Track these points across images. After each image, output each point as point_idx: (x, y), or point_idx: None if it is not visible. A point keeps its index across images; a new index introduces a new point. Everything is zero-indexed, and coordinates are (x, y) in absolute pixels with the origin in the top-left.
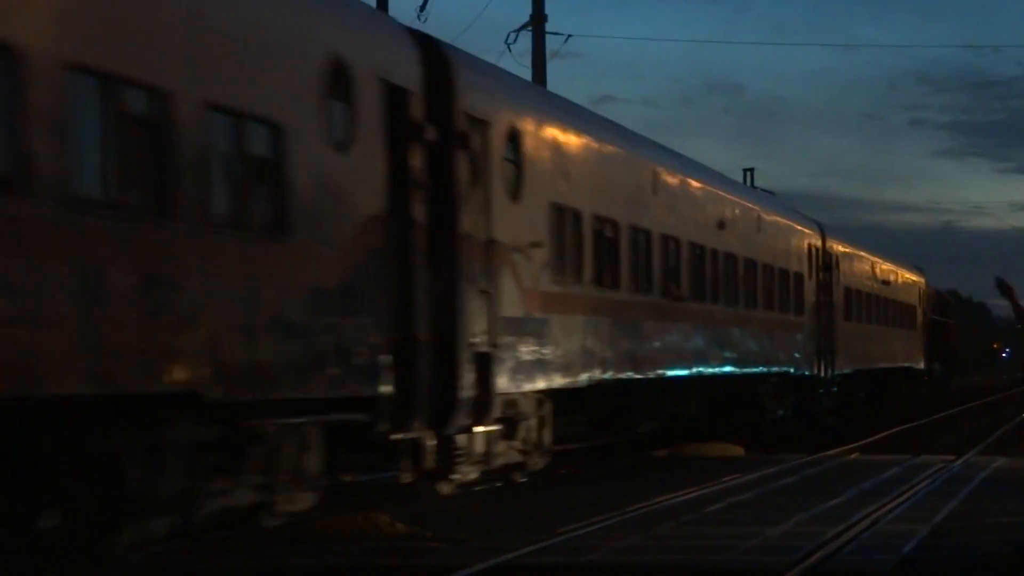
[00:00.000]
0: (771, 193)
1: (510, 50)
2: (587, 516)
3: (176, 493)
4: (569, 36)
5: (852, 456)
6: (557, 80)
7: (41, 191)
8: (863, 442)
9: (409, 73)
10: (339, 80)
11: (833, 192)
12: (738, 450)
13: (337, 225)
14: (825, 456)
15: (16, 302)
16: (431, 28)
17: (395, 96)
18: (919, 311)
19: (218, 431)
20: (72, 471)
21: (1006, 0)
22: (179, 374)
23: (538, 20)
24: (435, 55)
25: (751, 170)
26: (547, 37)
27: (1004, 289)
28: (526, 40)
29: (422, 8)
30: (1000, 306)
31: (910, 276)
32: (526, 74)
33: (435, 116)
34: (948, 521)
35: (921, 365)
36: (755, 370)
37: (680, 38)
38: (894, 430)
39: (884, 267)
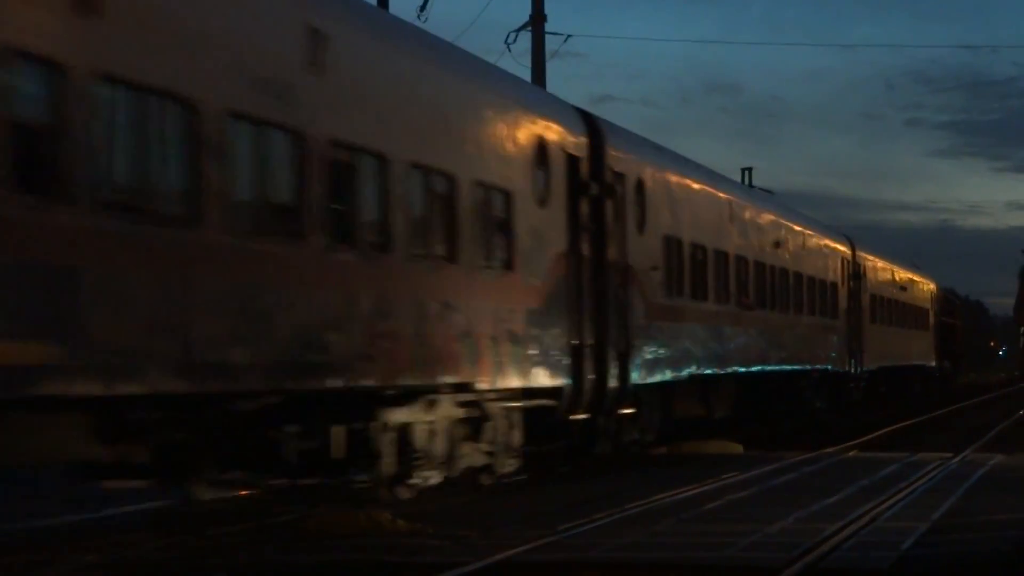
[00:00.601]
0: (770, 192)
1: (510, 50)
2: (588, 513)
3: (444, 453)
4: (569, 36)
5: (850, 454)
6: (557, 80)
7: (397, 249)
8: (861, 439)
9: (579, 144)
10: (542, 155)
11: (831, 191)
12: (737, 447)
13: (540, 262)
14: (824, 454)
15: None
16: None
17: (571, 161)
18: (931, 314)
19: (469, 411)
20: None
21: (1003, 0)
22: (460, 371)
23: (538, 20)
24: (592, 127)
25: (749, 169)
26: (547, 37)
27: None
28: (526, 40)
29: (422, 8)
30: (998, 305)
31: (923, 281)
32: (525, 73)
33: (594, 173)
34: (947, 518)
35: (932, 363)
36: (801, 367)
37: (679, 38)
38: (892, 428)
39: (902, 274)
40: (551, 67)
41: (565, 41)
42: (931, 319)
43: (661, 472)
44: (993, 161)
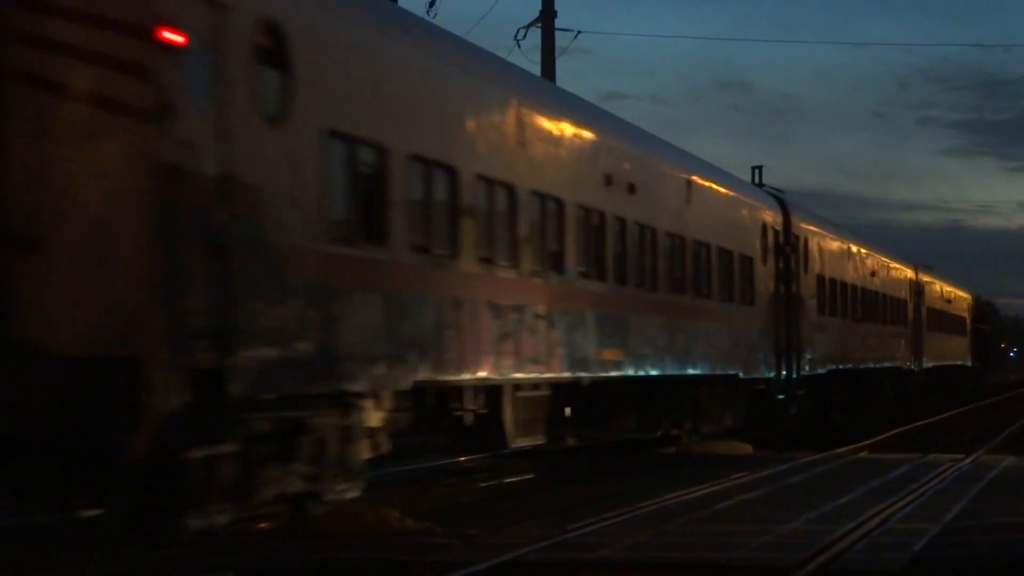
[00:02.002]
0: (780, 191)
1: (519, 46)
2: (597, 512)
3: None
4: (579, 32)
5: (861, 454)
6: (566, 76)
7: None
8: (872, 440)
9: (777, 220)
10: (763, 231)
11: (842, 190)
12: (747, 448)
13: (763, 298)
14: (834, 454)
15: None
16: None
17: (775, 232)
18: (967, 321)
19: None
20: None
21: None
22: (730, 366)
23: (547, 16)
24: (783, 205)
25: (759, 168)
26: (556, 33)
27: None
28: (535, 36)
29: (431, 4)
30: (1008, 305)
31: (963, 294)
32: (535, 70)
33: (784, 236)
34: (958, 520)
35: (969, 363)
36: (882, 365)
37: (689, 35)
38: (902, 428)
39: (948, 289)
40: (560, 63)
41: (575, 37)
42: (968, 326)
43: (671, 472)
44: (1005, 161)
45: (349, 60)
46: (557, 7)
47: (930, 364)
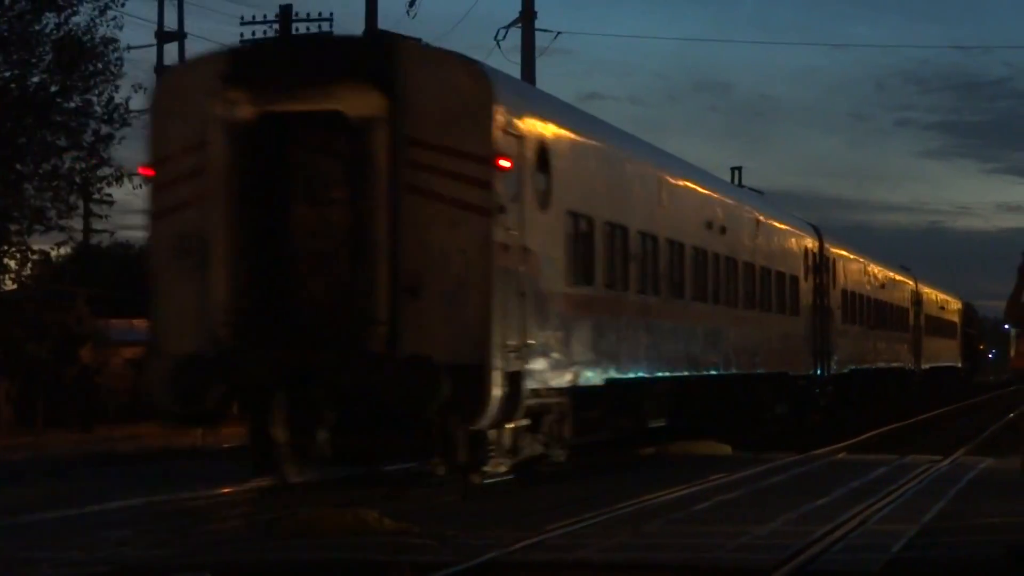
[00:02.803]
0: (760, 192)
1: (499, 46)
2: (576, 513)
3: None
4: (559, 33)
5: (840, 456)
6: (546, 77)
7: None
8: (851, 441)
9: (814, 245)
10: (805, 255)
11: (821, 191)
12: (726, 448)
13: (804, 309)
14: (813, 455)
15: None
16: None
17: (812, 254)
18: (958, 326)
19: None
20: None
21: (996, 1)
22: (780, 364)
23: (527, 17)
24: (818, 232)
25: (739, 168)
26: (536, 34)
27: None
28: (515, 37)
29: (411, 3)
30: (986, 307)
31: (954, 301)
32: (515, 70)
33: (819, 259)
34: (937, 521)
35: (959, 364)
36: (891, 366)
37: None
38: (882, 430)
39: (941, 296)
40: (540, 64)
41: (555, 38)
42: (958, 330)
43: (650, 473)
44: (983, 162)
45: (577, 163)
46: (537, 8)
47: (927, 365)
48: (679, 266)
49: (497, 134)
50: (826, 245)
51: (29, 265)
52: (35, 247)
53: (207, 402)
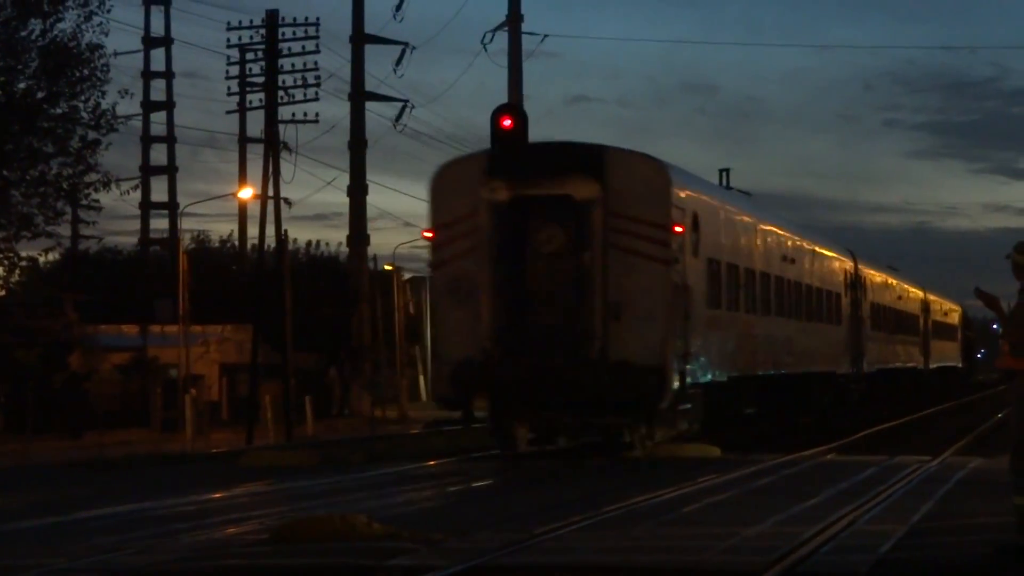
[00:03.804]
0: (747, 194)
1: (486, 50)
2: (565, 516)
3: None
4: (545, 36)
5: (828, 457)
6: (533, 80)
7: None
8: (840, 442)
9: (852, 266)
10: (844, 274)
11: (809, 192)
12: (715, 451)
13: (845, 319)
14: (802, 457)
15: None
16: (407, 27)
17: (849, 274)
18: (959, 329)
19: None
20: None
21: (983, 1)
22: (828, 364)
23: (514, 20)
24: (853, 255)
25: (727, 170)
26: (523, 37)
27: (987, 300)
28: (502, 40)
29: (398, 8)
30: (975, 307)
31: (955, 307)
32: (502, 74)
33: (854, 277)
34: (925, 521)
35: (959, 364)
36: (905, 366)
37: (656, 38)
38: (870, 430)
39: (946, 305)
40: (527, 67)
41: (542, 41)
42: (959, 333)
43: (639, 475)
44: (971, 163)
45: (712, 223)
46: (524, 11)
47: (934, 365)
48: (767, 290)
49: (672, 209)
50: (859, 265)
51: (17, 271)
52: (23, 253)
53: (473, 395)
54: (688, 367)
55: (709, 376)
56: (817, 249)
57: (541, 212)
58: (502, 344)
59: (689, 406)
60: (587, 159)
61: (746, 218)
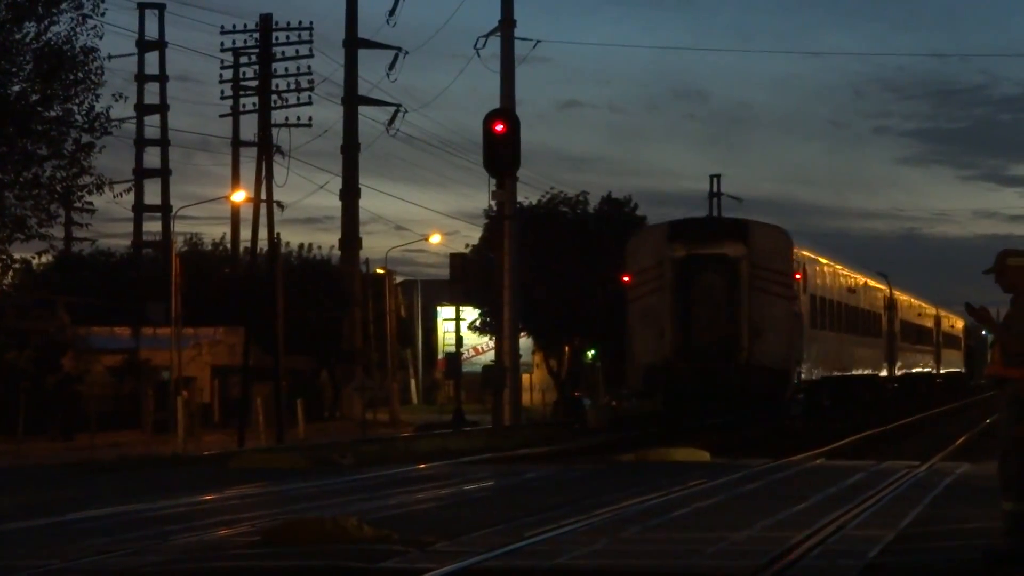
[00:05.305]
0: (738, 200)
1: (479, 55)
2: (554, 520)
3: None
4: (538, 41)
5: (817, 462)
6: (525, 85)
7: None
8: (829, 447)
9: (888, 291)
10: (882, 297)
11: (799, 198)
12: (704, 455)
13: (883, 333)
14: (790, 461)
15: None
16: (400, 32)
17: (886, 297)
18: (962, 339)
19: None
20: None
21: (973, 9)
22: (870, 367)
23: (507, 25)
24: (887, 279)
25: (718, 176)
26: (516, 42)
27: (977, 315)
28: (495, 45)
29: (392, 12)
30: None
31: (960, 320)
32: (495, 79)
33: (890, 299)
34: (913, 527)
35: (961, 370)
36: (923, 371)
37: (647, 44)
38: (859, 435)
39: (952, 320)
40: (519, 72)
41: (534, 46)
42: (962, 343)
43: (628, 479)
44: (960, 169)
45: (813, 270)
46: (516, 16)
47: (944, 371)
48: (840, 314)
49: (793, 262)
50: (893, 290)
51: (10, 274)
52: (16, 256)
53: (657, 388)
54: (800, 369)
55: (814, 375)
56: (868, 281)
57: (705, 265)
58: (678, 354)
59: (801, 396)
60: (736, 229)
61: (828, 263)
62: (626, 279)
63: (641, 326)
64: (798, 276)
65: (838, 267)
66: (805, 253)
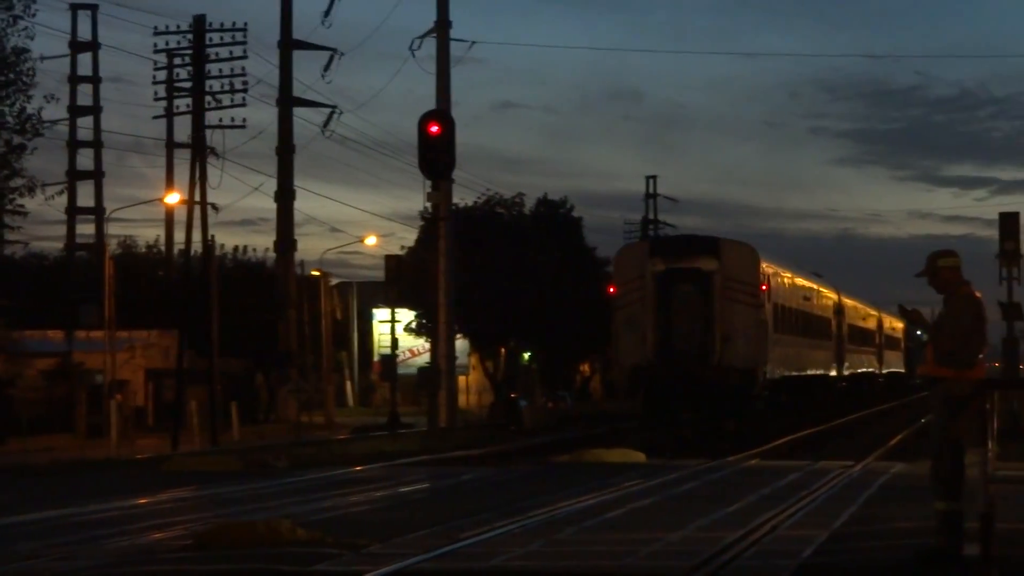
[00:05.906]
0: (674, 200)
1: (414, 56)
2: (490, 521)
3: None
4: (473, 43)
5: (752, 462)
6: (460, 86)
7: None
8: (763, 448)
9: (836, 296)
10: (832, 304)
11: (734, 199)
12: (639, 456)
13: (833, 337)
14: (726, 462)
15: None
16: (335, 33)
17: (836, 303)
18: (902, 342)
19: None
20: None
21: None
22: (824, 369)
23: (442, 26)
24: (836, 288)
25: (654, 177)
26: (451, 44)
27: (909, 316)
28: (430, 46)
29: (327, 13)
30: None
31: (898, 322)
32: (430, 80)
33: (839, 306)
34: (847, 526)
35: (902, 370)
36: (888, 371)
37: (582, 45)
38: (794, 436)
39: (893, 321)
40: (455, 73)
41: (470, 47)
42: (902, 344)
43: (564, 480)
44: (894, 170)
45: (775, 281)
46: (452, 17)
47: (885, 371)
48: (797, 320)
49: (760, 275)
50: (841, 297)
51: None
52: None
53: (640, 388)
54: (765, 370)
55: (776, 374)
56: (820, 289)
57: (682, 278)
58: (658, 356)
59: (766, 393)
60: (710, 245)
61: (789, 275)
62: (612, 290)
63: (626, 332)
64: (764, 287)
65: (797, 279)
66: (769, 267)
